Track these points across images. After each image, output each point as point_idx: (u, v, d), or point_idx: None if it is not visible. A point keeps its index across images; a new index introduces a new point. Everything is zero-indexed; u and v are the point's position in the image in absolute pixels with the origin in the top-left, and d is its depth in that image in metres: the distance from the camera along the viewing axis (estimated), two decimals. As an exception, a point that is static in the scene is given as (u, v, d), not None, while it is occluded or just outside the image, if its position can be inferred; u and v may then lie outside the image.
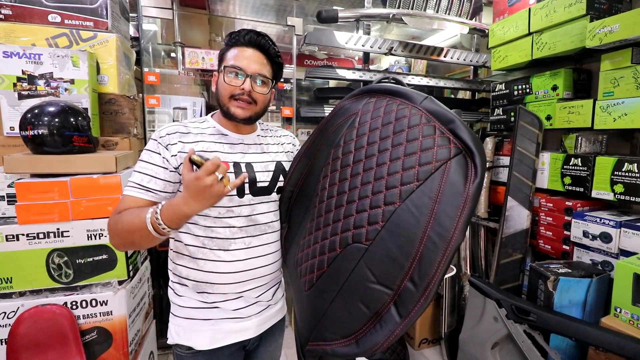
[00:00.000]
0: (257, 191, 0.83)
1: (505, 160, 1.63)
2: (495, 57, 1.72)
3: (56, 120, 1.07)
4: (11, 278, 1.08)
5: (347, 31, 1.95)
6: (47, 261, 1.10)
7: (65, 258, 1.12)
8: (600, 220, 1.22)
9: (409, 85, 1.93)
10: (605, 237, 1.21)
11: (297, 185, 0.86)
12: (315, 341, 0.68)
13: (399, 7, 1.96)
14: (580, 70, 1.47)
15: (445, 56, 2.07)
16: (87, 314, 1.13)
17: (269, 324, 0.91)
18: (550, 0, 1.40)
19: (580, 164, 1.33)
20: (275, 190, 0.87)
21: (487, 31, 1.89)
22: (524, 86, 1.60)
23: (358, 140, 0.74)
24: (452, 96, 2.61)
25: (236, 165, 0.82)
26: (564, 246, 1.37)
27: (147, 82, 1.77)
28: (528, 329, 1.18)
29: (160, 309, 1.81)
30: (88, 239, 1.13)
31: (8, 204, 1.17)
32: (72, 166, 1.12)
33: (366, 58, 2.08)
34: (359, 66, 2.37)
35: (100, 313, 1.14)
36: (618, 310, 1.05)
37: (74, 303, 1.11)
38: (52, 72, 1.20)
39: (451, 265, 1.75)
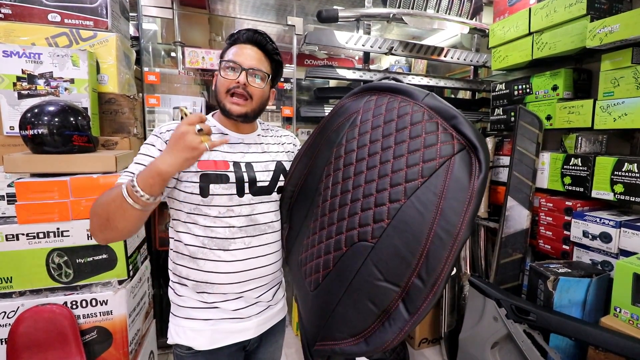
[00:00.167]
0: (257, 191, 0.83)
1: (506, 160, 1.63)
2: (495, 57, 1.72)
3: (56, 119, 1.07)
4: (11, 278, 1.08)
5: (348, 31, 1.95)
6: (47, 261, 1.10)
7: (65, 258, 1.12)
8: (600, 220, 1.22)
9: (409, 84, 1.93)
10: (605, 237, 1.21)
11: (298, 185, 0.86)
12: (323, 341, 0.67)
13: (399, 7, 1.96)
14: (581, 70, 1.47)
15: (445, 56, 2.07)
16: (87, 314, 1.13)
17: (269, 324, 0.91)
18: (550, 0, 1.40)
19: (580, 164, 1.33)
20: (275, 190, 0.87)
21: (487, 31, 1.89)
22: (524, 86, 1.60)
23: (360, 139, 0.73)
24: (453, 96, 2.61)
25: (236, 164, 0.82)
26: (564, 246, 1.38)
27: (147, 81, 1.77)
28: (528, 329, 1.18)
29: (160, 309, 1.82)
30: (88, 239, 1.13)
31: (8, 204, 1.17)
32: (72, 166, 1.12)
33: (366, 58, 2.08)
34: (359, 66, 2.37)
35: (100, 313, 1.14)
36: (618, 310, 1.05)
37: (74, 303, 1.11)
38: (52, 72, 1.20)
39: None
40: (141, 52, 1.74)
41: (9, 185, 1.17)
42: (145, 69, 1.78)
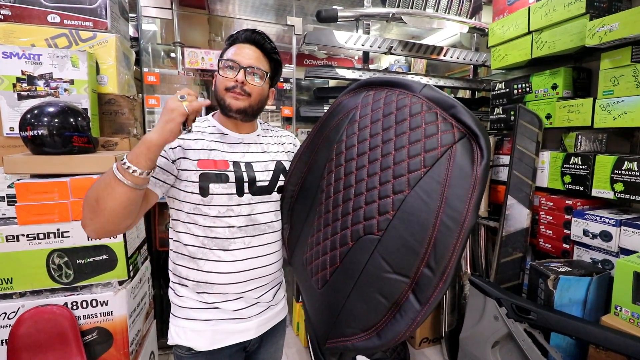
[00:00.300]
0: (256, 191, 0.83)
1: (505, 159, 1.63)
2: (495, 56, 1.72)
3: (56, 120, 1.07)
4: (11, 279, 1.08)
5: (347, 31, 1.95)
6: (47, 261, 1.10)
7: (66, 258, 1.12)
8: (601, 219, 1.22)
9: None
10: (606, 236, 1.21)
11: (298, 184, 0.86)
12: (335, 338, 0.67)
13: (398, 7, 1.96)
14: (580, 69, 1.47)
15: (445, 55, 2.07)
16: (88, 314, 1.13)
17: (270, 324, 0.91)
18: (549, -1, 1.40)
19: (580, 163, 1.33)
20: (275, 189, 0.87)
21: (486, 30, 1.89)
22: (523, 85, 1.60)
23: (360, 134, 0.74)
24: (452, 95, 2.61)
25: (236, 164, 0.82)
26: (564, 245, 1.38)
27: (147, 82, 1.77)
28: (528, 328, 1.18)
29: (160, 309, 1.82)
30: (88, 240, 1.13)
31: (8, 205, 1.17)
32: (72, 166, 1.12)
33: (366, 57, 2.08)
34: (359, 65, 2.37)
35: (100, 313, 1.14)
36: (618, 308, 1.05)
37: (74, 303, 1.11)
38: (51, 73, 1.20)
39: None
40: (141, 53, 1.75)
41: (9, 186, 1.17)
42: (145, 69, 1.78)
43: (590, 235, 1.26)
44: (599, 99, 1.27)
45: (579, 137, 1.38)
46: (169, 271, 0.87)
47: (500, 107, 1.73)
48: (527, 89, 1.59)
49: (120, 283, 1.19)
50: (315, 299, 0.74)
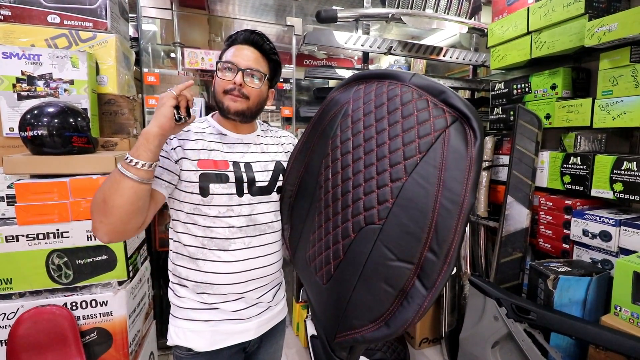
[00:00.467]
0: (256, 191, 0.83)
1: (505, 159, 1.63)
2: (494, 56, 1.72)
3: (55, 121, 1.07)
4: (11, 279, 1.08)
5: (347, 31, 1.95)
6: (46, 262, 1.10)
7: (65, 259, 1.12)
8: (600, 219, 1.22)
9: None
10: (605, 236, 1.21)
11: (296, 183, 0.86)
12: (343, 332, 0.67)
13: (398, 7, 1.96)
14: (579, 69, 1.47)
15: (444, 55, 2.07)
16: (87, 315, 1.13)
17: (270, 325, 0.91)
18: (549, -1, 1.40)
19: (579, 163, 1.33)
20: (275, 189, 0.87)
21: (486, 30, 1.90)
22: (523, 85, 1.60)
23: (354, 127, 0.74)
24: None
25: (235, 164, 0.82)
26: (564, 245, 1.38)
27: (147, 82, 1.77)
28: (528, 328, 1.18)
29: (160, 310, 1.81)
30: (88, 240, 1.13)
31: (8, 205, 1.17)
32: (72, 167, 1.12)
33: (365, 58, 2.08)
34: (359, 66, 2.37)
35: (100, 314, 1.14)
36: (618, 308, 1.05)
37: (73, 304, 1.11)
38: (51, 73, 1.20)
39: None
40: (140, 53, 1.75)
41: (8, 187, 1.17)
42: (145, 69, 1.78)
43: (590, 235, 1.26)
44: (598, 99, 1.27)
45: (578, 137, 1.38)
46: (169, 271, 0.86)
47: (500, 107, 1.73)
48: (527, 89, 1.59)
49: (120, 283, 1.19)
50: (321, 295, 0.74)
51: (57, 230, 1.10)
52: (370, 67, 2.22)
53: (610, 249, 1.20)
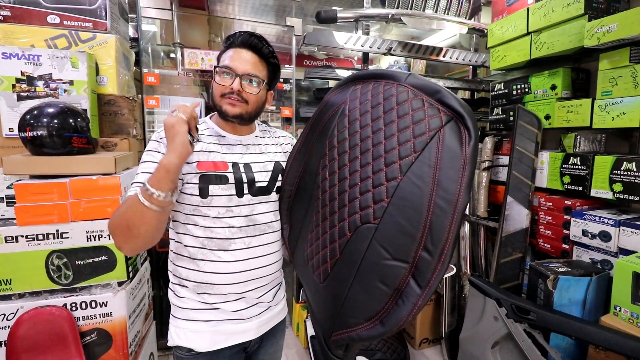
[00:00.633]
0: (256, 191, 0.83)
1: (505, 160, 1.63)
2: (494, 57, 1.72)
3: (55, 121, 1.07)
4: (10, 280, 1.08)
5: (346, 31, 1.95)
6: (46, 262, 1.10)
7: (65, 259, 1.12)
8: (600, 219, 1.22)
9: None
10: (605, 236, 1.21)
11: (295, 183, 0.86)
12: (339, 330, 0.67)
13: (397, 7, 1.96)
14: (579, 70, 1.47)
15: (444, 56, 2.07)
16: (87, 316, 1.12)
17: (270, 325, 0.91)
18: (548, 0, 1.40)
19: (579, 163, 1.33)
20: (274, 190, 0.87)
21: (485, 31, 1.90)
22: (522, 86, 1.61)
23: (351, 126, 0.75)
24: (451, 96, 2.61)
25: (235, 165, 0.82)
26: (564, 245, 1.38)
27: (147, 82, 1.77)
28: (528, 328, 1.18)
29: (160, 310, 1.81)
30: (87, 240, 1.13)
31: (7, 206, 1.17)
32: (72, 167, 1.12)
33: (365, 58, 2.08)
34: (359, 66, 2.37)
35: (100, 314, 1.13)
36: (617, 308, 1.05)
37: (73, 304, 1.11)
38: (51, 73, 1.20)
39: (451, 265, 1.75)
40: (140, 54, 1.75)
41: (8, 187, 1.17)
42: (145, 70, 1.78)
43: (590, 235, 1.26)
44: (597, 100, 1.28)
45: (578, 137, 1.38)
46: (169, 272, 0.86)
47: (500, 108, 1.74)
48: (526, 90, 1.59)
49: (120, 284, 1.19)
50: (319, 294, 0.75)
51: (57, 230, 1.10)
52: (370, 67, 2.23)
53: (609, 249, 1.20)
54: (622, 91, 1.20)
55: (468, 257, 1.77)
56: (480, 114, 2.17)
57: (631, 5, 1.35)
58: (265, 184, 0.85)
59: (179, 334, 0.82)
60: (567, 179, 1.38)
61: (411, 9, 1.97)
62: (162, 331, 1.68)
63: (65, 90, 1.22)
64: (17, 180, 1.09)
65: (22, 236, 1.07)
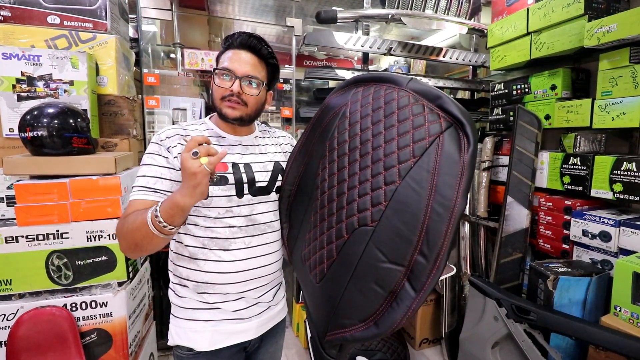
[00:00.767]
0: (256, 191, 0.83)
1: (505, 160, 1.63)
2: (494, 57, 1.72)
3: (55, 121, 1.07)
4: (10, 280, 1.08)
5: (346, 32, 1.95)
6: (46, 263, 1.10)
7: (65, 259, 1.12)
8: (600, 219, 1.22)
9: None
10: (605, 236, 1.21)
11: (295, 183, 0.87)
12: (333, 330, 0.68)
13: (397, 8, 1.96)
14: (579, 70, 1.47)
15: (444, 56, 2.07)
16: (87, 316, 1.12)
17: (270, 325, 0.91)
18: (548, 0, 1.40)
19: (579, 163, 1.33)
20: (274, 190, 0.87)
21: (485, 31, 1.90)
22: (522, 86, 1.61)
23: (351, 129, 0.75)
24: (452, 96, 2.61)
25: (235, 166, 0.82)
26: (564, 245, 1.38)
27: (147, 83, 1.77)
28: (528, 328, 1.18)
29: (160, 310, 1.81)
30: (87, 241, 1.13)
31: (7, 206, 1.17)
32: (72, 168, 1.12)
33: (365, 58, 2.08)
34: (359, 66, 2.37)
35: (100, 315, 1.13)
36: (618, 309, 1.05)
37: (73, 305, 1.11)
38: (51, 74, 1.20)
39: (451, 265, 1.75)
40: (140, 54, 1.75)
41: (8, 188, 1.17)
42: (145, 70, 1.78)
43: (590, 235, 1.26)
44: (597, 100, 1.28)
45: (578, 137, 1.38)
46: (169, 272, 0.87)
47: (500, 108, 1.74)
48: (526, 90, 1.59)
49: (120, 284, 1.19)
50: (315, 294, 0.75)
51: (57, 231, 1.10)
52: (370, 67, 2.23)
53: (610, 250, 1.20)
54: (622, 91, 1.20)
55: (468, 257, 1.77)
56: (480, 114, 2.17)
57: (631, 5, 1.35)
58: (265, 183, 0.85)
59: (179, 334, 0.82)
60: (567, 179, 1.38)
61: (411, 9, 1.97)
62: (162, 331, 1.68)
63: (65, 91, 1.22)
64: (17, 181, 1.09)
65: (22, 236, 1.08)
